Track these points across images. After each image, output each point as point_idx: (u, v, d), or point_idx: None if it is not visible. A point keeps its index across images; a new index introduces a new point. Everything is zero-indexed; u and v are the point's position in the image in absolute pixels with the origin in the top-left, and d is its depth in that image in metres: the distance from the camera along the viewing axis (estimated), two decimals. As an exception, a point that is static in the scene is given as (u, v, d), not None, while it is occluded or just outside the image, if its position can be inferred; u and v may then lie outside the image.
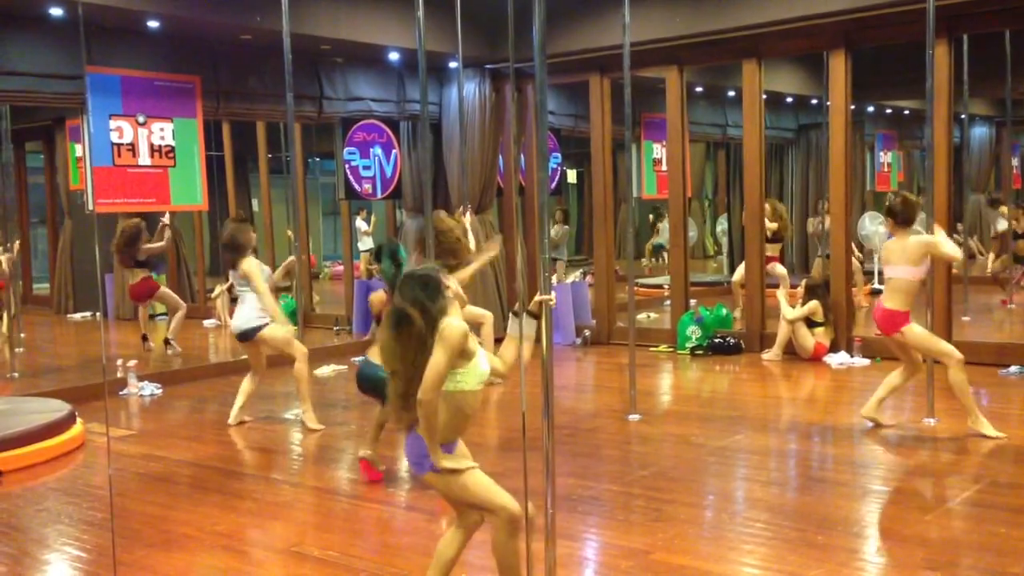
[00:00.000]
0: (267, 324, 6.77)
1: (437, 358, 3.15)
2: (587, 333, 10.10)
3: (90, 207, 8.43)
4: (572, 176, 17.92)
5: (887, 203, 6.17)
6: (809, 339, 8.66)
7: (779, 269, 10.26)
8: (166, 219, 10.06)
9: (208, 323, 12.41)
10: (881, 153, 16.23)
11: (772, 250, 10.31)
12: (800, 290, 9.08)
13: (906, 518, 4.54)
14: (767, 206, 9.78)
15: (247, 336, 6.84)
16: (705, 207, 18.44)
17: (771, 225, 9.99)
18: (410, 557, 4.27)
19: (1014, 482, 5.08)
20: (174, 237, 12.81)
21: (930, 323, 6.45)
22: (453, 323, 3.19)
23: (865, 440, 6.14)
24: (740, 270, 10.03)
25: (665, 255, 16.64)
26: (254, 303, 6.79)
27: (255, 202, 15.85)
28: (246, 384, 7.06)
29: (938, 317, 7.80)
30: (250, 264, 6.81)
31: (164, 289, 10.39)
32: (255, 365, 7.05)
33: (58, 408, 6.51)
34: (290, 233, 7.08)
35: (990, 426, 5.89)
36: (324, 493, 5.29)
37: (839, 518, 4.55)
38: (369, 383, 5.31)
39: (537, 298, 3.33)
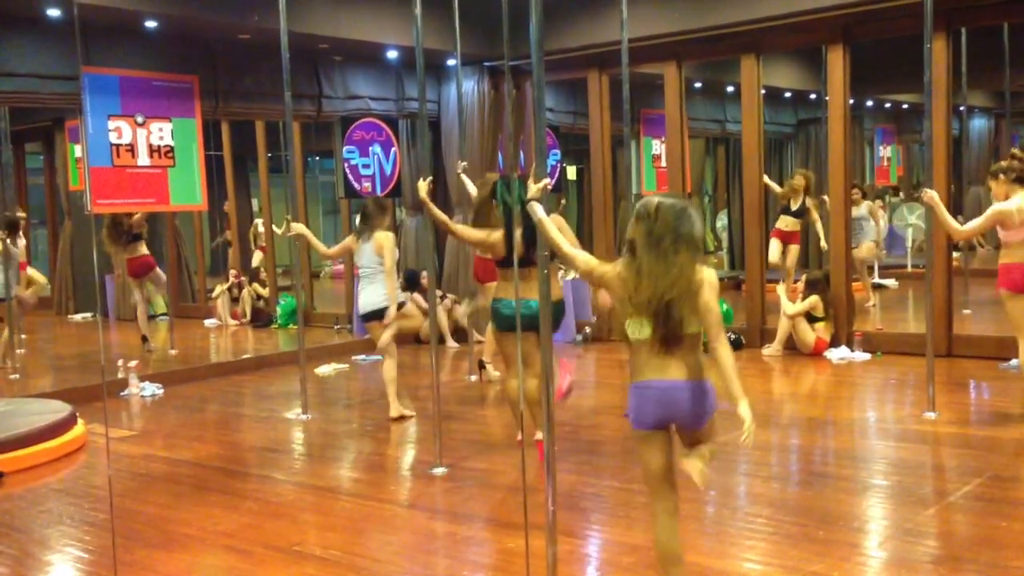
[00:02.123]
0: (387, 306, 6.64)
1: (716, 306, 3.08)
2: (587, 330, 10.10)
3: (88, 208, 8.43)
4: (572, 173, 17.90)
5: (1004, 163, 6.00)
6: (810, 334, 8.66)
7: (791, 257, 10.25)
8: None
9: (209, 323, 12.42)
10: (880, 147, 16.23)
11: (791, 225, 10.29)
12: (800, 285, 9.08)
13: (907, 513, 4.54)
14: (799, 178, 9.90)
15: (378, 316, 6.65)
16: (705, 203, 18.43)
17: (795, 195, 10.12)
18: (412, 555, 4.27)
19: (1015, 476, 5.08)
20: (175, 237, 12.85)
21: (930, 316, 6.44)
22: (710, 270, 3.11)
23: (866, 435, 6.15)
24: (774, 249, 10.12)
25: None
26: (383, 283, 6.60)
27: (255, 201, 15.86)
28: (388, 371, 6.80)
29: (938, 310, 7.80)
30: (387, 238, 6.63)
31: (159, 271, 10.43)
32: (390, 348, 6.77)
33: (59, 409, 6.51)
34: (288, 217, 7.04)
35: None
36: (326, 492, 5.29)
37: (840, 513, 4.55)
38: (508, 322, 5.39)
39: (537, 186, 3.39)
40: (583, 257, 3.31)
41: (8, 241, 9.00)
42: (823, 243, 10.10)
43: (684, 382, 3.09)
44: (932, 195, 5.98)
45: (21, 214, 10.95)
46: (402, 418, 6.77)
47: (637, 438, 3.19)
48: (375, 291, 6.67)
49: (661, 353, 3.08)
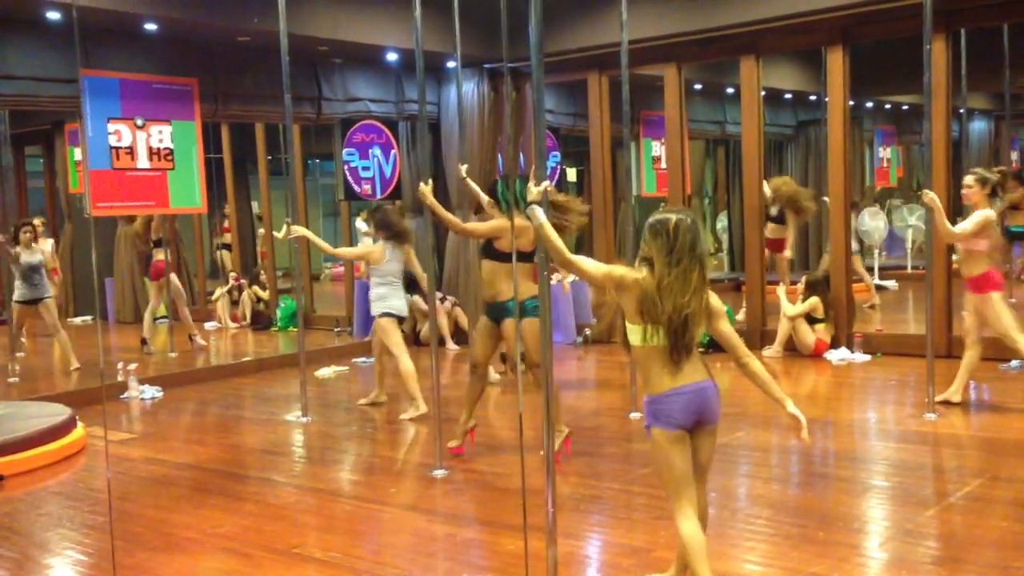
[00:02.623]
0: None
1: (731, 327, 3.37)
2: (587, 332, 10.10)
3: (88, 211, 8.43)
4: (572, 175, 17.91)
5: (992, 176, 6.27)
6: (810, 335, 8.66)
7: (780, 264, 10.21)
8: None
9: (209, 326, 12.41)
10: (880, 148, 16.23)
11: (773, 232, 10.24)
12: (800, 286, 9.07)
13: (907, 513, 4.54)
14: (767, 189, 9.80)
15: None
16: (705, 205, 18.43)
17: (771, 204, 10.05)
18: (412, 558, 4.26)
19: (1015, 476, 5.07)
20: (175, 240, 12.82)
21: (930, 317, 6.44)
22: (713, 295, 3.30)
23: (866, 436, 6.15)
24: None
25: None
26: (401, 288, 7.18)
27: (255, 204, 15.85)
28: (408, 367, 6.98)
29: (938, 311, 7.80)
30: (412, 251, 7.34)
31: (172, 276, 10.53)
32: (404, 346, 7.08)
33: (59, 412, 6.51)
34: (288, 221, 7.06)
35: None
36: (326, 495, 5.29)
37: (840, 514, 4.54)
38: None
39: (537, 188, 3.43)
40: (590, 262, 3.30)
41: (5, 244, 8.99)
42: (787, 251, 10.13)
43: (708, 381, 3.29)
44: (933, 197, 6.04)
45: (37, 222, 10.83)
46: (409, 417, 6.82)
47: (666, 440, 3.24)
48: (401, 295, 7.22)
49: (675, 361, 3.21)
